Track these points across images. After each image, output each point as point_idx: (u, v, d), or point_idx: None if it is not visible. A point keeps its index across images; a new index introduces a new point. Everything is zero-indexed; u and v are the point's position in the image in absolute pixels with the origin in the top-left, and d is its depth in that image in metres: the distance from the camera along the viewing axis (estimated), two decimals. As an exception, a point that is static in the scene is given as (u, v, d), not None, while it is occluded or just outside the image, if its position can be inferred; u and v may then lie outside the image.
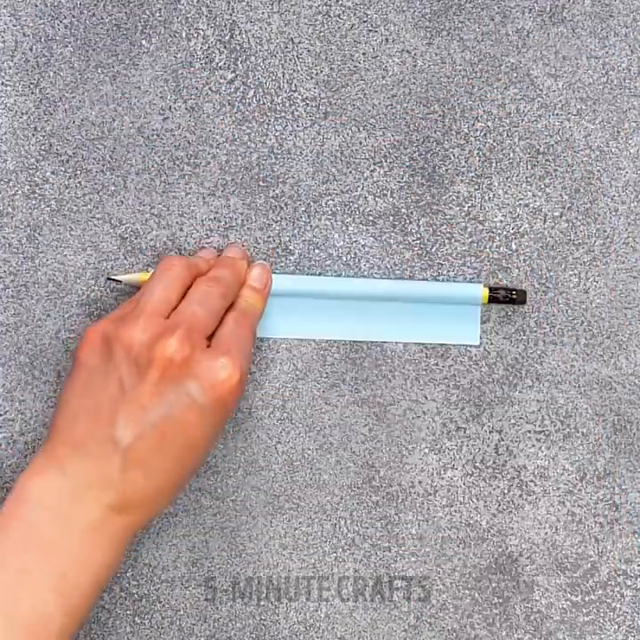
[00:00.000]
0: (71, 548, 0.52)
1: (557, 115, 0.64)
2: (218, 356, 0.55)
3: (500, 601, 0.64)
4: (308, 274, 0.63)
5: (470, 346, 0.63)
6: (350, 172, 0.63)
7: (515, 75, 0.64)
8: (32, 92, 0.62)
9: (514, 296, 0.62)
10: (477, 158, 0.64)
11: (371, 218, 0.63)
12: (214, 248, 0.63)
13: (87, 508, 0.53)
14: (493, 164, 0.64)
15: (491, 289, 0.62)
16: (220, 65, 0.63)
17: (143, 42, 0.63)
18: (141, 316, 0.56)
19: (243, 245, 0.63)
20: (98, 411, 0.54)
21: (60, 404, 0.56)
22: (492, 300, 0.62)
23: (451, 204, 0.63)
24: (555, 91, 0.64)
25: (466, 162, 0.64)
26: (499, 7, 0.64)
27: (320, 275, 0.63)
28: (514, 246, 0.64)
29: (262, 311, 0.61)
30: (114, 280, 0.62)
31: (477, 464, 0.64)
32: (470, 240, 0.64)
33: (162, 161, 0.63)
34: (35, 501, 0.53)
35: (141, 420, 0.54)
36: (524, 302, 0.63)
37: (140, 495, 0.54)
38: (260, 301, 0.61)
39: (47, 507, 0.52)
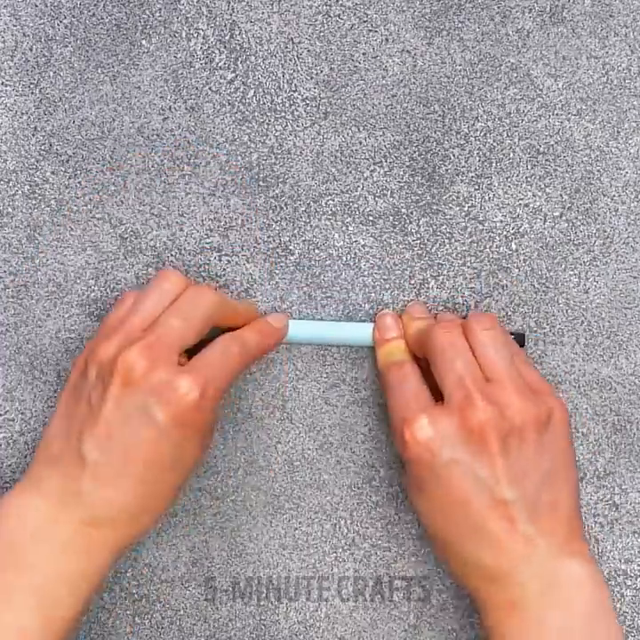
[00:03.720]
0: (49, 564, 0.53)
1: (557, 115, 0.64)
2: (179, 372, 0.53)
3: (500, 601, 0.64)
4: (309, 278, 0.63)
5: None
6: (350, 172, 0.63)
7: (515, 75, 0.64)
8: (32, 92, 0.62)
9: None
10: (477, 158, 0.64)
11: (371, 218, 0.63)
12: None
13: (62, 526, 0.53)
14: (493, 164, 0.64)
15: None
16: (220, 65, 0.63)
17: (143, 42, 0.63)
18: (119, 331, 0.55)
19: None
20: (70, 428, 0.55)
21: (45, 427, 0.57)
22: None
23: (451, 204, 0.63)
24: (555, 91, 0.64)
25: (466, 162, 0.64)
26: (499, 7, 0.64)
27: (320, 275, 0.63)
28: (514, 246, 0.64)
29: (257, 349, 0.59)
30: None
31: (477, 464, 0.64)
32: (470, 240, 0.64)
33: (162, 161, 0.63)
34: (14, 519, 0.54)
35: (105, 436, 0.53)
36: (522, 346, 0.62)
37: (113, 512, 0.54)
38: (257, 340, 0.59)
39: (26, 524, 0.53)
